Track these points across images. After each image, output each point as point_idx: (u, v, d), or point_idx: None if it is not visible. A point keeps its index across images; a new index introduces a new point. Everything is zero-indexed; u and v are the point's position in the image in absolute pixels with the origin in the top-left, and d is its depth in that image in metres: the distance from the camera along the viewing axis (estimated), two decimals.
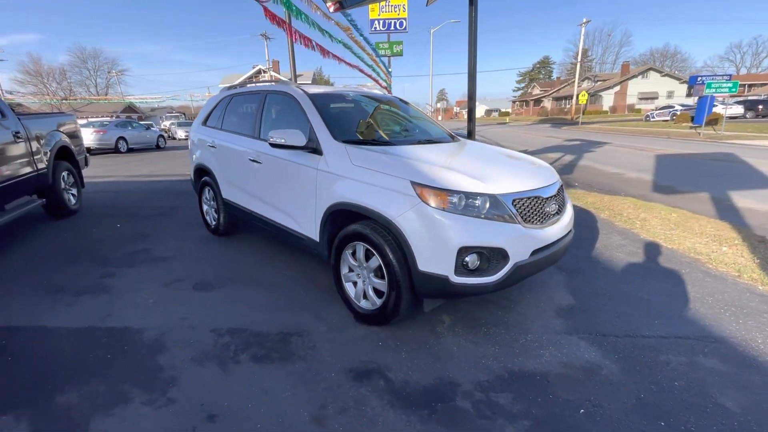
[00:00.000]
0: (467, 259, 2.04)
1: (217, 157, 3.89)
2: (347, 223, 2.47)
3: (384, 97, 3.79)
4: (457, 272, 2.05)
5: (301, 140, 2.65)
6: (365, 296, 2.48)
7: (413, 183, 2.12)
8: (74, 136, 5.69)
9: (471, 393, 1.91)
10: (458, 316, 2.63)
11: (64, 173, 5.16)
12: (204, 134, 4.16)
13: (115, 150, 14.95)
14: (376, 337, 2.37)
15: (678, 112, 26.94)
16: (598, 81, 51.06)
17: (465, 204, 2.08)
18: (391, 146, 2.69)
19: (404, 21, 24.02)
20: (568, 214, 2.61)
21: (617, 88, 46.47)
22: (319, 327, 2.48)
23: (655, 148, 13.76)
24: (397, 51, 25.46)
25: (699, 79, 19.09)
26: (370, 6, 25.08)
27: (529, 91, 74.49)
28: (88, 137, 14.21)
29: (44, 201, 4.62)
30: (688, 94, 22.63)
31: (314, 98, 2.96)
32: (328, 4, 6.25)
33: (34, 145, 4.43)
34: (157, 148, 17.78)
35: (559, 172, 9.15)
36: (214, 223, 4.25)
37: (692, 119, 21.81)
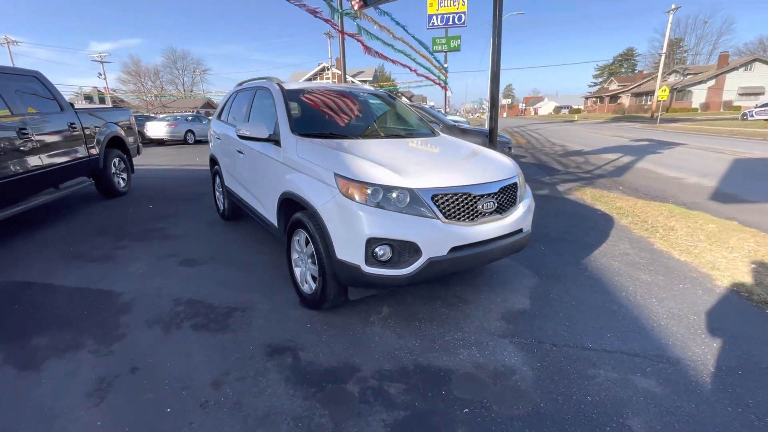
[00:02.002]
0: (377, 250, 2.08)
1: (222, 148, 4.27)
2: (296, 211, 2.63)
3: (367, 93, 3.85)
4: (368, 262, 2.10)
5: (264, 132, 2.85)
6: (306, 281, 2.62)
7: (336, 174, 2.21)
8: (128, 128, 6.55)
9: (366, 379, 1.97)
10: (399, 308, 2.66)
11: (115, 160, 5.98)
12: (216, 127, 4.58)
13: (184, 141, 16.72)
14: (309, 320, 2.50)
15: None
16: (688, 74, 45.15)
17: (382, 196, 2.12)
18: (343, 140, 2.78)
19: (463, 15, 23.32)
20: (517, 214, 2.49)
21: (711, 83, 40.67)
22: (264, 306, 2.68)
23: (739, 150, 11.97)
24: (454, 46, 24.92)
25: None
26: (428, 1, 24.87)
27: (605, 86, 68.23)
28: (162, 130, 16.10)
29: (92, 182, 5.43)
30: None
31: (286, 93, 3.14)
32: (353, 2, 6.43)
33: (88, 134, 5.22)
34: None
35: (608, 174, 8.62)
36: (222, 208, 4.68)
37: None
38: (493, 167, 2.55)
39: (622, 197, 6.05)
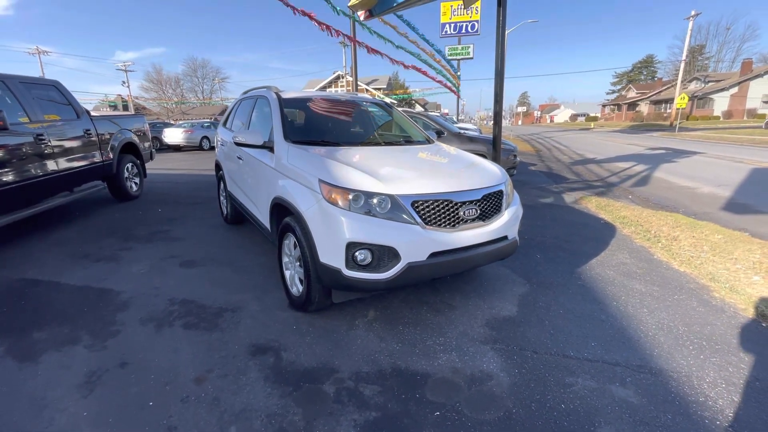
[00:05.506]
0: (357, 254, 2.14)
1: (225, 154, 4.42)
2: (286, 216, 2.71)
3: (365, 101, 3.93)
4: (348, 266, 2.16)
5: (259, 140, 2.95)
6: (294, 283, 2.69)
7: (320, 181, 2.28)
8: (142, 134, 6.81)
9: (342, 380, 2.01)
10: (385, 312, 2.70)
11: (128, 165, 6.22)
12: (221, 134, 4.74)
13: (200, 147, 17.19)
14: (295, 322, 2.56)
15: None
16: (709, 81, 43.99)
17: (363, 202, 2.18)
18: (333, 147, 2.86)
19: (476, 23, 23.42)
20: (501, 221, 2.51)
21: (734, 90, 39.51)
22: (254, 307, 2.76)
23: (759, 160, 11.62)
24: (466, 53, 25.05)
25: None
26: (441, 9, 25.03)
27: (623, 94, 67.01)
28: (179, 136, 16.60)
29: (105, 185, 5.66)
30: None
31: (282, 102, 3.25)
32: (359, 13, 6.59)
33: (102, 140, 5.46)
34: None
35: (619, 183, 8.55)
36: (225, 212, 4.82)
37: None
38: (478, 175, 2.59)
39: (627, 206, 5.96)
